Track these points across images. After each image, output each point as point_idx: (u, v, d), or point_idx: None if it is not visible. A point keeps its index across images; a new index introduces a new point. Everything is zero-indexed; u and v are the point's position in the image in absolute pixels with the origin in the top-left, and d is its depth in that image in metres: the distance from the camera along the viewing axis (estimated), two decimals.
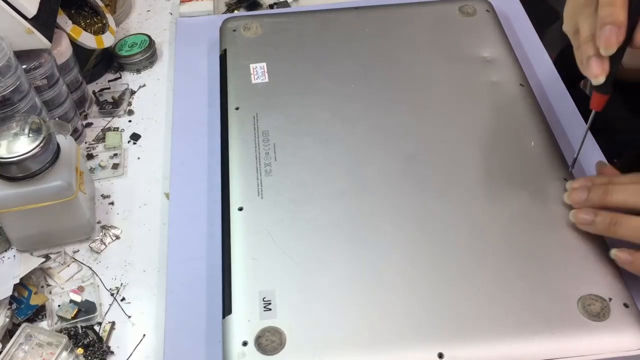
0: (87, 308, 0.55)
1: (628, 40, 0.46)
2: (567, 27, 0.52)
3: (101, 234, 0.61)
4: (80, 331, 0.54)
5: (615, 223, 0.50)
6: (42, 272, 0.58)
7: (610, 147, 0.64)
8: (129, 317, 0.55)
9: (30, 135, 0.53)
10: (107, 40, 0.74)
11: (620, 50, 0.47)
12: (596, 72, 0.47)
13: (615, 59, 0.47)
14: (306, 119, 0.62)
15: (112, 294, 0.57)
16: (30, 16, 0.60)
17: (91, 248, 0.60)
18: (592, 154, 0.63)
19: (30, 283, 0.57)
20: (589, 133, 0.54)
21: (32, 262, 0.57)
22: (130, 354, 0.53)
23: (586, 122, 0.66)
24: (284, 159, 0.59)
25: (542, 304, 0.49)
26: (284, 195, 0.56)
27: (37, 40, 0.60)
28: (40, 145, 0.52)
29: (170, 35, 0.81)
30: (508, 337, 0.48)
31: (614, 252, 0.51)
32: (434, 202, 0.56)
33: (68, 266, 0.58)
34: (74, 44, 0.69)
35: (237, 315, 0.49)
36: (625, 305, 0.49)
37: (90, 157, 0.67)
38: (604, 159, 0.63)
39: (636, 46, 0.47)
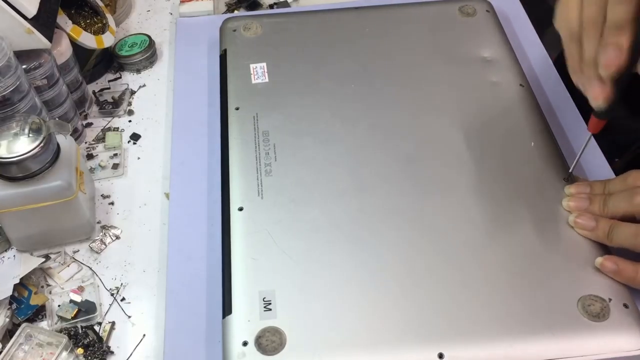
0: (87, 308, 0.55)
1: (631, 69, 0.46)
2: (562, 31, 0.51)
3: (101, 234, 0.61)
4: (80, 331, 0.54)
5: (611, 231, 0.51)
6: (42, 272, 0.58)
7: (611, 147, 0.64)
8: (129, 317, 0.55)
9: (30, 135, 0.53)
10: (107, 40, 0.74)
11: (623, 81, 0.47)
12: (596, 96, 0.48)
13: (617, 89, 0.47)
14: (306, 119, 0.62)
15: (112, 294, 0.57)
16: (30, 16, 0.60)
17: (91, 248, 0.60)
18: (592, 155, 0.63)
19: (30, 283, 0.57)
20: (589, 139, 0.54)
21: (32, 262, 0.57)
22: (130, 354, 0.53)
23: (586, 122, 0.66)
24: (284, 159, 0.59)
25: (542, 304, 0.49)
26: (284, 196, 0.56)
27: (37, 40, 0.60)
28: (40, 145, 0.52)
29: (170, 35, 0.81)
30: (508, 337, 0.48)
31: (599, 261, 0.51)
32: (434, 203, 0.56)
33: (68, 266, 0.58)
34: (74, 44, 0.69)
35: (237, 315, 0.49)
36: (625, 306, 0.49)
37: (90, 157, 0.67)
38: (604, 160, 0.63)
39: None
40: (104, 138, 0.69)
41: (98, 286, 0.57)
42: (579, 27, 0.48)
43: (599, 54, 0.46)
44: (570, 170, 0.57)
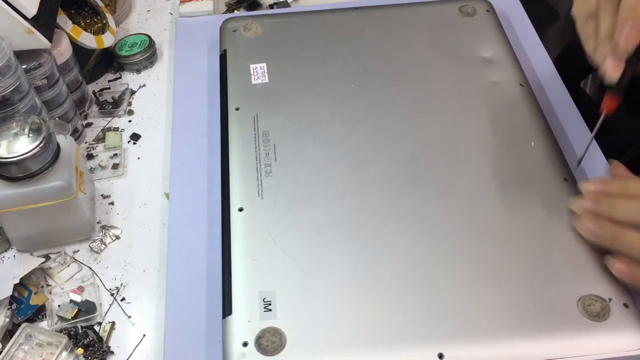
0: (87, 308, 0.55)
1: None
2: (578, 12, 0.51)
3: (101, 234, 0.61)
4: (80, 331, 0.54)
5: (615, 237, 0.50)
6: (42, 272, 0.58)
7: (611, 147, 0.64)
8: (129, 317, 0.55)
9: (30, 135, 0.53)
10: (107, 40, 0.74)
11: (637, 55, 0.47)
12: (611, 71, 0.48)
13: (631, 62, 0.48)
14: (306, 120, 0.62)
15: (112, 294, 0.57)
16: (30, 16, 0.60)
17: (91, 248, 0.60)
18: (592, 155, 0.63)
19: (30, 283, 0.57)
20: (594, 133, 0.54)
21: (32, 262, 0.57)
22: (130, 354, 0.53)
23: (586, 122, 0.66)
24: (284, 160, 0.59)
25: (542, 304, 0.49)
26: (284, 196, 0.56)
27: (37, 40, 0.60)
28: (40, 145, 0.52)
29: (170, 35, 0.81)
30: (508, 337, 0.48)
31: (611, 261, 0.50)
32: (434, 203, 0.56)
33: (68, 266, 0.58)
34: (74, 44, 0.69)
35: (237, 316, 0.49)
36: (625, 306, 0.49)
37: (90, 157, 0.67)
38: (604, 160, 0.63)
39: None
40: (104, 138, 0.69)
41: (98, 286, 0.57)
42: (596, 6, 0.49)
43: (617, 32, 0.47)
44: (579, 161, 0.57)
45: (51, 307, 0.55)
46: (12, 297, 0.54)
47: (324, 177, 0.58)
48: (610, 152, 0.64)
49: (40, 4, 0.61)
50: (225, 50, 0.70)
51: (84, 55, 0.72)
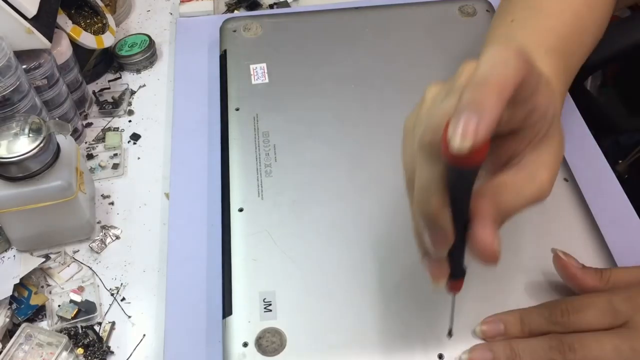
0: (87, 308, 0.55)
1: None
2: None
3: (101, 234, 0.61)
4: (80, 331, 0.54)
5: None
6: (42, 272, 0.58)
7: (613, 148, 0.64)
8: (129, 317, 0.55)
9: (30, 135, 0.53)
10: (107, 40, 0.74)
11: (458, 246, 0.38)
12: (435, 275, 0.40)
13: (455, 254, 0.39)
14: (306, 120, 0.62)
15: (112, 294, 0.57)
16: (30, 16, 0.59)
17: (91, 248, 0.60)
18: (594, 157, 0.63)
19: (30, 283, 0.57)
20: None
21: (32, 262, 0.57)
22: (130, 354, 0.53)
23: (586, 121, 0.66)
24: (284, 160, 0.59)
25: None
26: (284, 196, 0.56)
27: (37, 40, 0.60)
28: (40, 146, 0.52)
29: (170, 35, 0.81)
30: None
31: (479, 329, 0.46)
32: None
33: (68, 266, 0.58)
34: (74, 44, 0.69)
35: (237, 316, 0.49)
36: None
37: (90, 157, 0.67)
38: (605, 162, 0.62)
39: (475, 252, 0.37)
40: (104, 138, 0.69)
41: (98, 286, 0.57)
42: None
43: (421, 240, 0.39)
44: (449, 328, 0.47)
45: (51, 307, 0.55)
46: (12, 297, 0.54)
47: (324, 177, 0.58)
48: (612, 154, 0.63)
49: (40, 4, 0.61)
50: (225, 51, 0.70)
51: (84, 55, 0.72)
